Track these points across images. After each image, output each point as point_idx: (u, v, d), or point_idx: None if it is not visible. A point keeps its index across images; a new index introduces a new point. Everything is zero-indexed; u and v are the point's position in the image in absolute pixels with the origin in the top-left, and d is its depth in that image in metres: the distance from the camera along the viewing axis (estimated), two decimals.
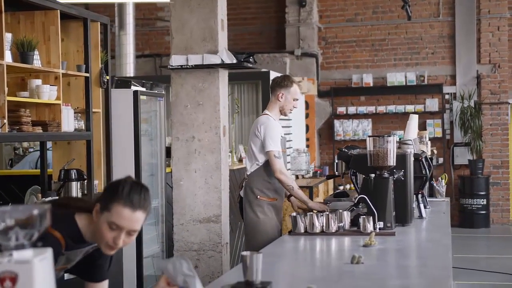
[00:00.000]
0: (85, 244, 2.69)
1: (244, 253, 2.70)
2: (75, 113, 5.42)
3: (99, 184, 5.74)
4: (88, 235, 2.65)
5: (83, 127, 5.48)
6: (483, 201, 12.12)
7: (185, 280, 2.48)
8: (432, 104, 12.51)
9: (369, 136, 4.42)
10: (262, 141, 5.09)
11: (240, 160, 8.09)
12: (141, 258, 6.27)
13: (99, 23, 5.78)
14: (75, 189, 5.33)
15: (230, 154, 7.84)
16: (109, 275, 2.91)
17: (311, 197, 8.95)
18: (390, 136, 4.39)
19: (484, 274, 8.45)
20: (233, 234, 7.25)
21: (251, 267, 2.69)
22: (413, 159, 4.75)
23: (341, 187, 12.17)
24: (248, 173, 5.25)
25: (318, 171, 10.97)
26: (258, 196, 5.15)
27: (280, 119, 9.03)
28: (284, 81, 5.26)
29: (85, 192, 5.50)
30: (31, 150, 8.76)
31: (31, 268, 1.70)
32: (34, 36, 4.90)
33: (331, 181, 11.15)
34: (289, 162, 9.71)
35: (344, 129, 12.80)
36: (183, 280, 2.48)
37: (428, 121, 12.49)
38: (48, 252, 1.78)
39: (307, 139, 12.27)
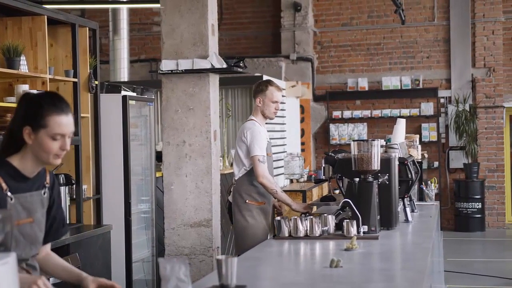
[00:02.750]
0: (28, 181, 2.71)
1: (219, 257, 2.72)
2: None
3: (87, 189, 5.76)
4: (27, 169, 2.69)
5: None
6: (478, 205, 12.12)
7: (177, 285, 2.50)
8: (427, 108, 12.52)
9: (353, 140, 4.44)
10: (248, 146, 5.17)
11: (232, 164, 8.10)
12: (131, 262, 6.29)
13: (87, 28, 5.80)
14: (64, 194, 5.34)
15: (221, 158, 7.86)
16: (62, 234, 2.94)
17: (304, 201, 8.95)
18: (374, 140, 4.40)
19: (478, 277, 8.45)
20: (224, 238, 7.27)
21: (226, 271, 2.71)
22: (399, 163, 4.76)
23: (337, 191, 12.18)
24: (236, 178, 5.33)
25: (313, 175, 10.98)
26: (247, 201, 5.22)
27: (273, 123, 9.03)
28: (260, 86, 5.36)
29: (74, 197, 5.52)
30: None
31: None
32: (21, 42, 4.92)
33: (325, 185, 11.16)
34: (282, 167, 9.73)
35: (340, 133, 12.82)
36: (175, 285, 2.49)
37: (423, 125, 12.50)
38: (11, 257, 1.79)
39: (303, 143, 12.29)
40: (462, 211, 12.15)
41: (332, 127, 12.81)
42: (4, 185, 2.62)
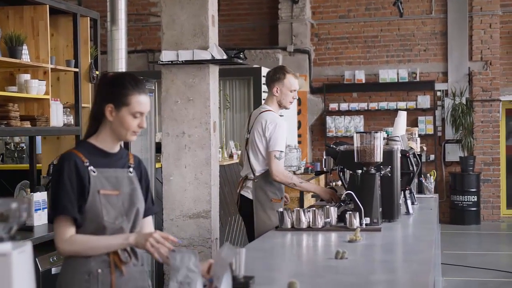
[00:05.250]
0: (111, 158, 2.87)
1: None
2: (64, 108, 5.42)
3: None
4: (106, 145, 2.87)
5: (72, 122, 5.49)
6: (474, 198, 12.17)
7: (187, 275, 2.51)
8: (424, 101, 12.54)
9: (356, 132, 4.44)
10: (268, 139, 4.95)
11: (231, 156, 8.11)
12: None
13: (88, 18, 5.78)
14: None
15: (220, 150, 7.85)
16: (153, 211, 3.07)
17: (301, 195, 8.96)
18: (377, 132, 4.40)
19: (474, 270, 8.49)
20: (223, 229, 7.27)
21: (234, 262, 2.71)
22: (400, 155, 4.77)
23: (333, 183, 12.20)
24: (256, 174, 5.06)
25: (310, 167, 11.00)
26: (272, 199, 5.02)
27: None
28: (276, 74, 5.09)
29: None
30: (23, 145, 8.75)
31: (9, 260, 1.71)
32: (23, 31, 4.90)
33: (322, 177, 11.19)
34: None
35: (336, 126, 12.83)
36: (185, 275, 2.50)
37: (419, 118, 12.53)
38: (28, 246, 1.79)
39: (299, 135, 12.30)
40: (458, 204, 12.19)
41: (328, 119, 12.82)
42: (85, 159, 2.79)
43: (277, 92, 5.07)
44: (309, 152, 12.85)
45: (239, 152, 8.27)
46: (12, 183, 5.97)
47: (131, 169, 2.91)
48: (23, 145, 8.80)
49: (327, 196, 4.90)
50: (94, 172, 2.79)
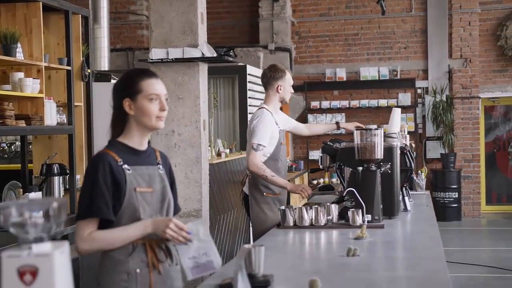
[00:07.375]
0: (141, 155, 2.85)
1: (247, 246, 2.69)
2: (57, 106, 5.35)
3: (81, 179, 5.67)
4: (135, 141, 2.85)
5: (65, 121, 5.41)
6: (454, 195, 12.26)
7: (200, 246, 2.50)
8: (405, 98, 12.61)
9: (356, 129, 4.43)
10: (251, 133, 5.03)
11: (219, 154, 8.07)
12: None
13: (80, 15, 5.71)
14: (57, 184, 5.26)
15: (209, 148, 7.81)
16: (177, 210, 3.02)
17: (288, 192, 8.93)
18: (377, 129, 4.39)
19: (457, 266, 8.55)
20: (212, 228, 7.24)
21: (254, 259, 2.70)
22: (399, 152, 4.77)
23: (315, 181, 12.23)
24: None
25: (293, 166, 11.02)
26: (264, 193, 5.08)
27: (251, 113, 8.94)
28: (278, 73, 5.20)
29: (67, 187, 5.44)
30: (4, 145, 8.62)
31: (51, 261, 1.69)
32: (16, 29, 4.82)
33: (306, 175, 11.21)
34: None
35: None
36: (197, 247, 2.50)
37: (401, 115, 12.56)
38: (66, 246, 1.76)
39: None
40: (439, 200, 12.27)
41: (310, 117, 12.83)
42: (118, 158, 2.78)
43: (279, 89, 5.19)
44: (291, 150, 12.86)
45: (227, 150, 8.24)
46: (0, 183, 5.87)
47: (160, 166, 2.91)
48: (4, 145, 8.68)
49: (297, 190, 5.00)
50: (129, 170, 2.79)
